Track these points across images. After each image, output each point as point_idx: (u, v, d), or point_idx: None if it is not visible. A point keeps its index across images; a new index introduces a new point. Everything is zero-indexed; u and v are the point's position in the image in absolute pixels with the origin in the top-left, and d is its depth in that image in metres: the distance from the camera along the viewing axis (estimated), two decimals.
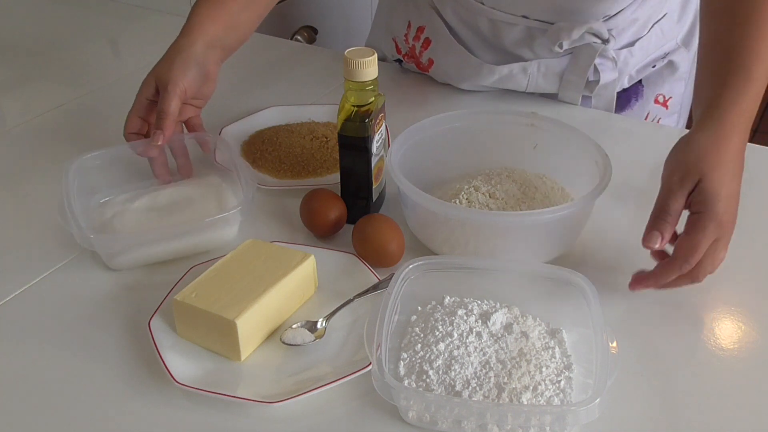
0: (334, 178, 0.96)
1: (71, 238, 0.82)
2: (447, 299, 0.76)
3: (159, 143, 0.89)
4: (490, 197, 0.87)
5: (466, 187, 0.88)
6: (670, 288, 0.77)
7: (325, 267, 0.81)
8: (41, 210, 0.94)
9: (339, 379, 0.68)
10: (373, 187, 0.88)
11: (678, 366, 0.73)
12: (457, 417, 0.64)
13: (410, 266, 0.75)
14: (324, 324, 0.75)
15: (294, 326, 0.75)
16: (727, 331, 0.77)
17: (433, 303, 0.76)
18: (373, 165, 0.87)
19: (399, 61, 1.25)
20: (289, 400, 0.66)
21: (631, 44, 1.11)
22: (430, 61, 1.18)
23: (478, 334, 0.72)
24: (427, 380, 0.68)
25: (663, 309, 0.79)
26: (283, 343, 0.73)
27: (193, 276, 0.77)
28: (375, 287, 0.78)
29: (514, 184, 0.89)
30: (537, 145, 0.93)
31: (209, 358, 0.73)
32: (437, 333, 0.72)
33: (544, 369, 0.68)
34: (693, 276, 0.75)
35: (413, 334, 0.73)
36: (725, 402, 0.69)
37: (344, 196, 0.88)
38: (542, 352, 0.70)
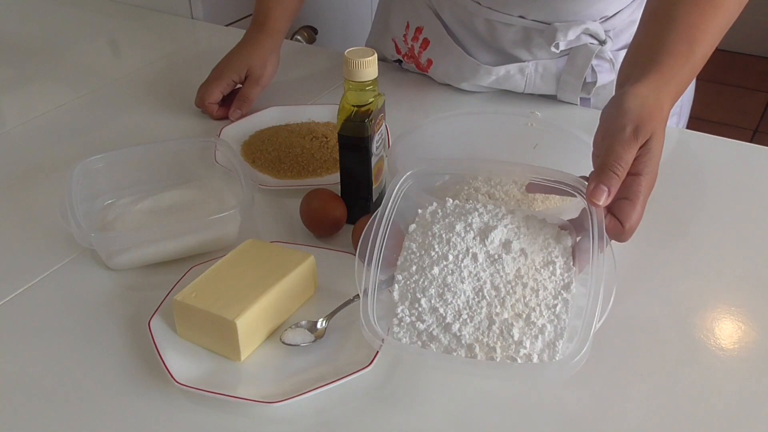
0: (334, 178, 0.96)
1: (71, 238, 0.83)
2: (449, 203, 0.74)
3: (236, 119, 1.10)
4: (489, 198, 0.87)
5: (466, 187, 0.87)
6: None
7: (325, 267, 0.81)
8: (41, 210, 0.94)
9: (339, 379, 0.68)
10: (373, 187, 0.88)
11: (678, 366, 0.73)
12: (447, 350, 0.65)
13: (410, 171, 0.73)
14: (324, 324, 0.75)
15: (294, 326, 0.75)
16: (727, 331, 0.77)
17: (434, 206, 0.74)
18: (373, 165, 0.87)
19: (399, 61, 1.25)
20: (289, 400, 0.66)
21: (629, 45, 1.10)
22: (429, 62, 1.18)
23: (474, 256, 0.69)
24: (419, 309, 0.67)
25: (663, 309, 0.79)
26: (283, 343, 0.73)
27: (193, 276, 0.77)
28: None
29: (514, 184, 0.89)
30: (537, 145, 0.93)
31: (209, 358, 0.73)
32: (433, 254, 0.70)
33: (540, 291, 0.66)
34: (623, 238, 0.71)
35: (410, 251, 0.71)
36: (725, 402, 0.69)
37: (344, 196, 0.88)
38: (541, 270, 0.68)
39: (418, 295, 0.68)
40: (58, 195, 0.86)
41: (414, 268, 0.70)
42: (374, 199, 0.90)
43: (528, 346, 0.65)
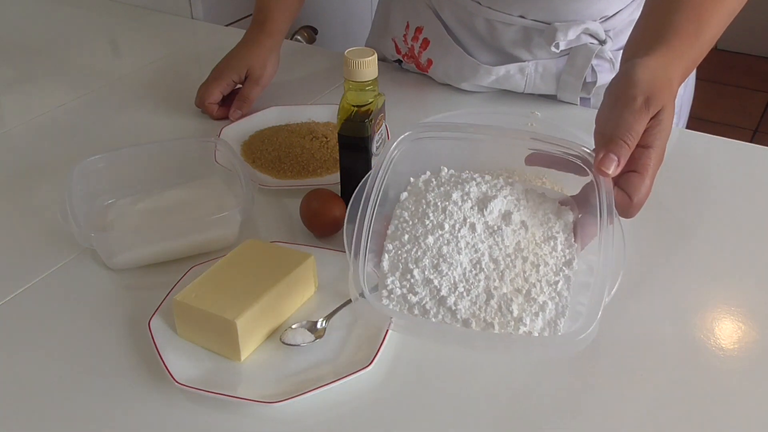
0: (334, 178, 0.96)
1: (71, 238, 0.83)
2: (444, 172, 0.70)
3: (236, 120, 1.10)
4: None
5: None
6: None
7: (325, 267, 0.81)
8: (41, 210, 0.94)
9: (339, 379, 0.68)
10: None
11: (678, 366, 0.73)
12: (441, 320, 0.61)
13: (407, 133, 0.69)
14: (324, 324, 0.75)
15: (294, 326, 0.75)
16: (727, 331, 0.77)
17: (428, 175, 0.70)
18: (373, 165, 0.87)
19: (399, 61, 1.25)
20: (289, 400, 0.66)
21: None
22: (429, 62, 1.18)
23: (472, 227, 0.65)
24: (412, 281, 0.63)
25: (662, 308, 0.79)
26: (283, 343, 0.73)
27: (193, 276, 0.77)
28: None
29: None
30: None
31: (209, 358, 0.73)
32: (427, 222, 0.65)
33: (541, 267, 0.63)
34: (630, 213, 0.68)
35: (401, 219, 0.67)
36: (725, 402, 0.69)
37: (344, 196, 0.88)
38: (542, 245, 0.64)
39: (410, 266, 0.64)
40: (58, 195, 0.86)
41: (406, 237, 0.66)
42: None
43: (528, 323, 0.61)
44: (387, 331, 0.72)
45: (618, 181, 0.67)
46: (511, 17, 1.08)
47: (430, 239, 0.65)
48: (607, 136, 0.67)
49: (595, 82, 1.10)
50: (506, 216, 0.67)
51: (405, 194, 0.71)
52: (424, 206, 0.67)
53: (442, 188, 0.69)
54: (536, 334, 0.61)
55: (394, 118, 1.00)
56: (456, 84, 1.17)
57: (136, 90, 1.24)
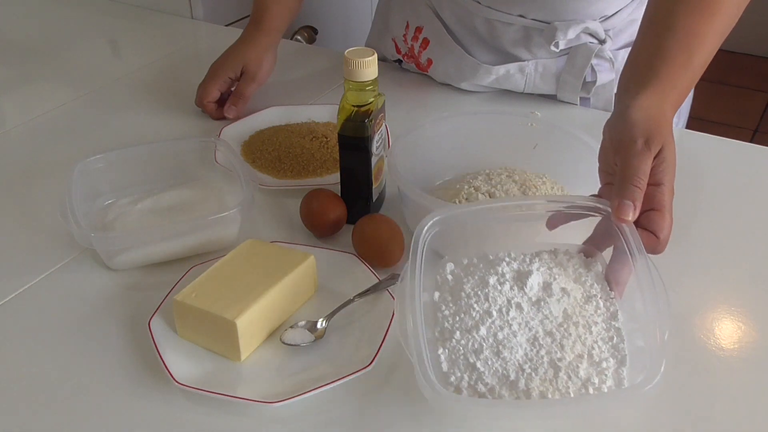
0: (334, 178, 0.96)
1: (71, 238, 0.83)
2: (468, 260, 0.71)
3: (232, 117, 1.10)
4: (490, 197, 0.87)
5: (466, 187, 0.88)
6: None
7: (325, 267, 0.81)
8: (41, 210, 0.94)
9: (339, 379, 0.68)
10: (373, 187, 0.88)
11: (678, 366, 0.73)
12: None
13: (425, 226, 0.69)
14: (324, 324, 0.75)
15: (294, 326, 0.75)
16: (727, 331, 0.77)
17: (452, 267, 0.71)
18: (373, 165, 0.87)
19: (399, 61, 1.25)
20: (289, 400, 0.66)
21: (629, 45, 1.10)
22: (429, 61, 1.18)
23: (518, 306, 0.66)
24: (476, 374, 0.63)
25: None
26: (283, 343, 0.73)
27: (193, 276, 0.77)
28: (375, 287, 0.78)
29: (514, 184, 0.89)
30: (537, 145, 0.93)
31: (209, 358, 0.73)
32: (474, 314, 0.65)
33: (593, 327, 0.64)
34: (658, 249, 0.71)
35: (445, 320, 0.67)
36: (725, 402, 0.69)
37: (344, 196, 0.88)
38: (586, 306, 0.65)
39: (471, 359, 0.64)
40: (58, 195, 0.86)
41: (458, 333, 0.66)
42: (374, 199, 0.90)
43: (597, 382, 0.63)
44: (387, 331, 0.72)
45: (640, 222, 0.69)
46: (510, 17, 1.08)
47: (483, 330, 0.65)
48: (618, 182, 0.69)
49: (594, 82, 1.09)
50: (546, 288, 0.68)
51: (437, 294, 0.70)
52: (465, 299, 0.68)
53: (476, 276, 0.70)
54: (605, 389, 0.62)
55: (394, 118, 1.00)
56: (456, 84, 1.17)
57: (136, 90, 1.24)
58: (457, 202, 0.86)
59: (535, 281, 0.68)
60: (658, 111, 0.72)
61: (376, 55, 0.83)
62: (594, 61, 1.07)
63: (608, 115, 1.11)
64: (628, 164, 0.69)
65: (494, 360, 0.64)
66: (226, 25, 1.54)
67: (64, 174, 0.88)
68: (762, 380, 0.72)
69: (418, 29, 1.17)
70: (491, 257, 0.71)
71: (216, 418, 0.67)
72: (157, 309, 0.75)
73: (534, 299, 0.67)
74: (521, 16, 1.07)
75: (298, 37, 1.67)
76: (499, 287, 0.68)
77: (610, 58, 1.08)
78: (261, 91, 1.20)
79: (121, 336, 0.76)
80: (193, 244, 0.84)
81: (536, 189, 0.88)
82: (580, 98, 1.13)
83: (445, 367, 0.65)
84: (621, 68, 1.09)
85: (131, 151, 0.93)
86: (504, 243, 0.72)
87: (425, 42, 1.17)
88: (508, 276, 0.69)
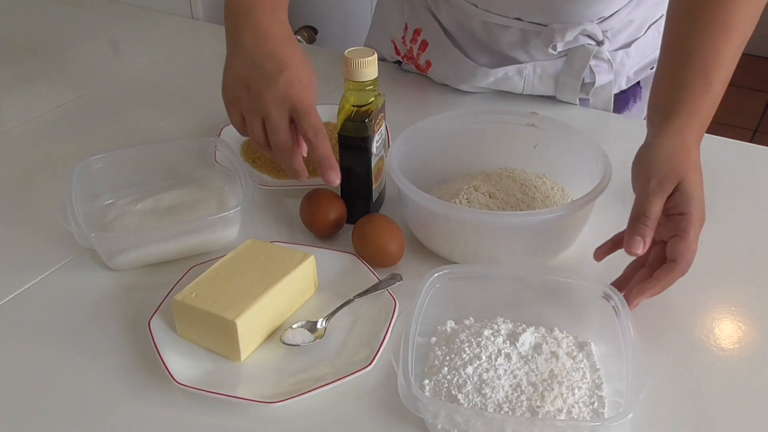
0: None
1: (71, 238, 0.83)
2: (469, 320, 0.75)
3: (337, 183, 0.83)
4: (490, 197, 0.87)
5: (466, 187, 0.88)
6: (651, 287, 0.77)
7: (325, 267, 0.81)
8: (41, 210, 0.94)
9: (339, 379, 0.68)
10: (373, 187, 0.88)
11: (678, 366, 0.73)
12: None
13: (434, 275, 0.73)
14: (324, 324, 0.75)
15: (294, 326, 0.75)
16: (727, 331, 0.77)
17: (452, 324, 0.75)
18: (373, 165, 0.87)
19: (398, 62, 1.25)
20: (289, 400, 0.66)
21: (627, 45, 1.11)
22: (428, 63, 1.18)
23: (507, 356, 0.70)
24: (457, 404, 0.66)
25: (662, 309, 0.79)
26: (283, 343, 0.73)
27: (193, 276, 0.77)
28: (375, 287, 0.78)
29: (514, 184, 0.89)
30: (537, 145, 0.93)
31: (209, 358, 0.73)
32: (464, 356, 0.70)
33: (576, 391, 0.67)
34: (682, 273, 0.75)
35: (436, 358, 0.71)
36: (725, 402, 0.69)
37: (344, 196, 0.88)
38: (573, 373, 0.69)
39: (454, 392, 0.67)
40: (58, 195, 0.86)
41: (445, 369, 0.69)
42: (374, 199, 0.90)
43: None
44: (387, 331, 0.73)
45: (665, 249, 0.76)
46: (508, 20, 1.07)
47: (470, 369, 0.69)
48: (629, 219, 0.76)
49: (593, 83, 1.09)
50: (537, 347, 0.71)
51: (434, 338, 0.74)
52: (459, 343, 0.71)
53: (472, 329, 0.73)
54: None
55: (394, 119, 1.00)
56: (455, 85, 1.17)
57: (136, 90, 1.24)
58: (456, 202, 0.86)
59: (527, 339, 0.72)
60: (679, 145, 0.77)
61: (376, 55, 0.83)
62: (592, 62, 1.07)
63: (608, 115, 1.12)
64: (638, 204, 0.76)
65: (475, 395, 0.67)
66: None
67: (64, 174, 0.88)
68: (762, 380, 0.72)
69: (417, 31, 1.17)
70: (487, 319, 0.75)
71: (216, 418, 0.67)
72: (157, 309, 0.75)
73: (523, 353, 0.71)
74: (518, 19, 1.07)
75: (298, 37, 1.67)
76: (492, 339, 0.72)
77: (609, 59, 1.08)
78: None
79: (121, 336, 0.76)
80: (193, 244, 0.84)
81: (536, 189, 0.89)
82: (579, 99, 1.13)
83: (429, 395, 0.67)
84: (619, 69, 1.10)
85: (131, 151, 0.93)
86: (504, 310, 0.76)
87: (424, 44, 1.17)
88: (502, 332, 0.73)
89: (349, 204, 0.88)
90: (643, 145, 0.79)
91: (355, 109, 0.85)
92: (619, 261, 0.85)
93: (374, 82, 0.84)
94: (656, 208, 0.75)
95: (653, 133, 0.79)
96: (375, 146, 0.86)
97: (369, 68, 0.83)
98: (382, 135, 0.88)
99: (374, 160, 0.87)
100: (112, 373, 0.72)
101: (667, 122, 0.78)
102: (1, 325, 0.78)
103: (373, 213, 0.89)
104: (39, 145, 1.09)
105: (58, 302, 0.81)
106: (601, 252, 0.79)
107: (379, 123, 0.87)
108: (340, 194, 0.89)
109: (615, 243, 0.79)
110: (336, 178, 0.82)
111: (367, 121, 0.84)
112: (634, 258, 0.78)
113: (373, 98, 0.85)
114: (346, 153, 0.87)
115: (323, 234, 0.88)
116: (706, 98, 0.78)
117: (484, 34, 1.11)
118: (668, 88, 0.80)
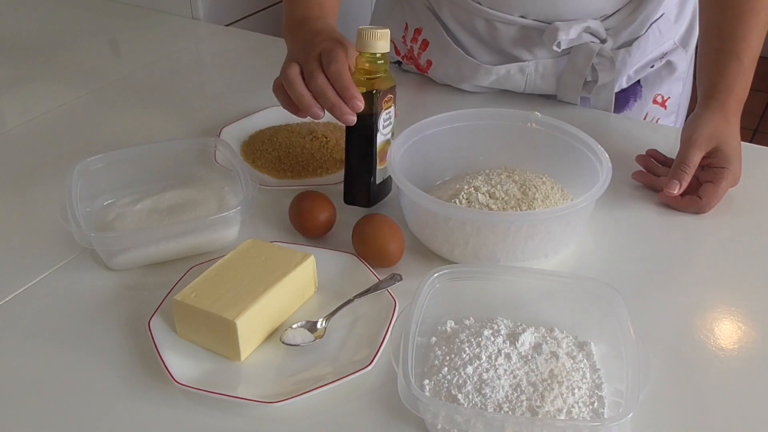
0: (334, 179, 0.96)
1: (71, 238, 0.83)
2: (469, 320, 0.75)
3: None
4: (490, 197, 0.87)
5: (466, 187, 0.88)
6: (679, 206, 0.92)
7: (325, 267, 0.81)
8: (41, 210, 0.94)
9: (339, 379, 0.68)
10: (378, 168, 0.87)
11: (678, 366, 0.73)
12: None
13: (434, 275, 0.73)
14: (324, 324, 0.75)
15: (294, 326, 0.75)
16: (726, 331, 0.77)
17: (452, 324, 0.75)
18: (378, 142, 0.86)
19: (398, 62, 1.25)
20: (289, 400, 0.66)
21: (629, 44, 1.11)
22: (429, 63, 1.18)
23: (507, 356, 0.70)
24: (456, 404, 0.66)
25: (662, 309, 0.79)
26: (283, 343, 0.73)
27: (193, 276, 0.77)
28: (375, 287, 0.78)
29: (514, 184, 0.89)
30: (537, 145, 0.93)
31: (209, 358, 0.73)
32: (464, 356, 0.70)
33: (576, 391, 0.67)
34: (702, 209, 0.91)
35: (436, 358, 0.71)
36: (725, 402, 0.69)
37: (347, 174, 0.88)
38: (573, 373, 0.69)
39: (454, 392, 0.67)
40: (58, 195, 0.86)
41: (445, 369, 0.69)
42: (378, 182, 0.89)
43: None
44: (387, 331, 0.73)
45: (697, 190, 0.91)
46: (511, 17, 1.07)
47: (470, 369, 0.69)
48: (672, 166, 0.91)
49: (596, 81, 1.09)
50: (537, 347, 0.72)
51: (434, 338, 0.74)
52: (458, 343, 0.72)
53: (472, 329, 0.74)
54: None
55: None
56: (456, 84, 1.17)
57: (136, 90, 1.24)
58: (456, 202, 0.86)
59: (527, 339, 0.72)
60: (720, 117, 0.92)
61: (389, 31, 0.84)
62: (595, 60, 1.07)
63: (608, 115, 1.13)
64: (681, 153, 0.92)
65: (475, 395, 0.67)
66: (226, 25, 1.54)
67: (64, 174, 0.88)
68: (762, 380, 0.72)
69: (417, 31, 1.17)
70: (486, 320, 0.75)
71: (216, 418, 0.67)
72: (157, 309, 0.75)
73: (523, 353, 0.71)
74: (522, 16, 1.07)
75: None
76: (492, 339, 0.72)
77: (611, 57, 1.08)
78: (261, 91, 1.20)
79: (121, 336, 0.76)
80: (193, 244, 0.84)
81: (536, 189, 0.89)
82: (581, 98, 1.13)
83: (429, 395, 0.68)
84: (620, 67, 1.10)
85: (131, 151, 0.93)
86: (504, 310, 0.76)
87: (425, 43, 1.17)
88: (502, 332, 0.73)
89: (350, 182, 0.87)
90: (691, 116, 0.95)
91: (365, 78, 0.84)
92: (620, 261, 0.85)
93: (385, 56, 0.85)
94: (695, 158, 0.90)
95: (699, 108, 0.94)
96: (382, 123, 0.86)
97: (381, 40, 0.83)
98: (390, 116, 0.88)
99: (380, 139, 0.86)
100: (112, 373, 0.72)
101: (708, 99, 0.93)
102: (1, 325, 0.78)
103: (374, 197, 0.88)
104: (39, 145, 1.09)
105: (58, 302, 0.81)
106: (640, 174, 0.96)
107: (387, 102, 0.86)
108: (344, 177, 0.88)
109: (648, 173, 0.96)
110: (360, 103, 0.81)
111: (375, 92, 0.84)
112: None
113: (383, 73, 0.85)
114: (352, 128, 0.85)
115: (313, 235, 0.87)
116: (740, 77, 0.94)
117: (486, 32, 1.11)
118: (708, 70, 0.96)
